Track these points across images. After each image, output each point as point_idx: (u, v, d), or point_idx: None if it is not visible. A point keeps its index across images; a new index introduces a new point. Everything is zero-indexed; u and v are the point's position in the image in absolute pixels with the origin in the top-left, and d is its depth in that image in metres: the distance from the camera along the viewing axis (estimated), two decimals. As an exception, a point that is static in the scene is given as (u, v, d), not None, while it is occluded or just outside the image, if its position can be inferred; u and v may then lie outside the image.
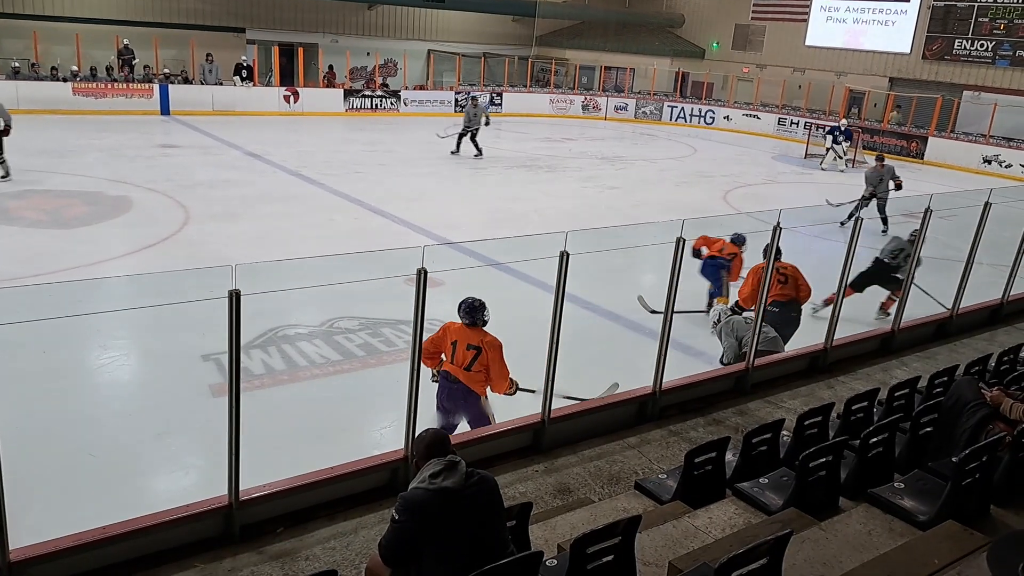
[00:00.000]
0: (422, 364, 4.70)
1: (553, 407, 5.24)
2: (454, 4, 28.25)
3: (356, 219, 12.48)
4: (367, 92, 25.12)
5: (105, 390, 6.76)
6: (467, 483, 2.92)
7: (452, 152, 18.57)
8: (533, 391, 5.40)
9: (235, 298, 3.79)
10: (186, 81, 22.82)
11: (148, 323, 7.55)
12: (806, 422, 4.51)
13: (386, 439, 5.66)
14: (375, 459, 4.74)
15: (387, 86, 26.33)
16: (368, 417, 6.49)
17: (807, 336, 7.37)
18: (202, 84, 22.59)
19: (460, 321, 5.32)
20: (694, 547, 3.31)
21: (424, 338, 4.63)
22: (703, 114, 28.19)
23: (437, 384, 5.41)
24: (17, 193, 12.30)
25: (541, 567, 2.94)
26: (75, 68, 21.19)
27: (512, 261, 8.43)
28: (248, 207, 12.61)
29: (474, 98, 20.56)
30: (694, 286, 8.45)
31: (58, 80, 20.68)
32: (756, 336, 6.32)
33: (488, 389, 5.38)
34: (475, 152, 18.50)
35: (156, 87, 21.52)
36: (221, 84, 22.78)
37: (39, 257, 9.38)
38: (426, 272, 4.46)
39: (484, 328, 5.32)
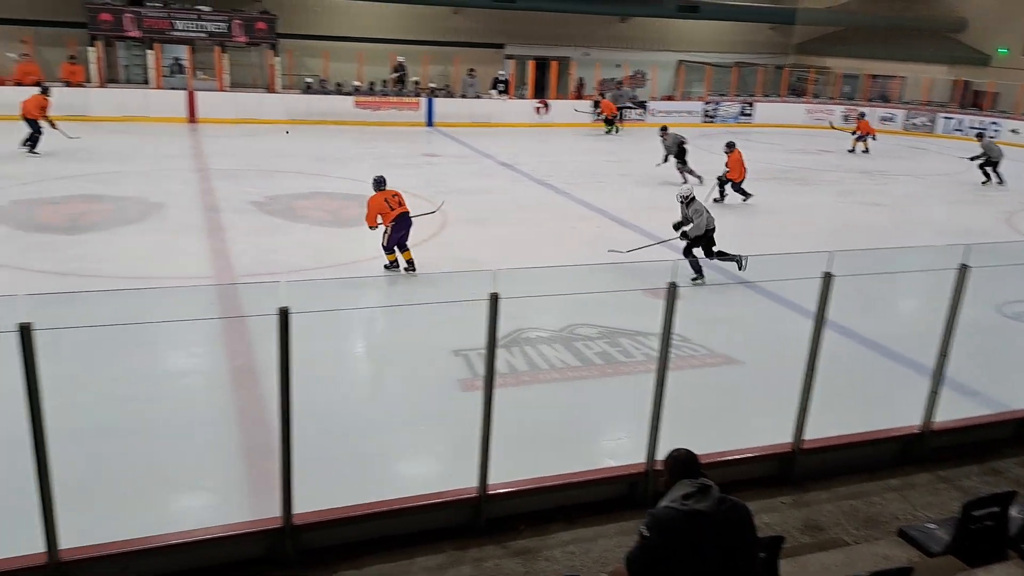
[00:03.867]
0: (369, 224, 9.38)
1: (805, 433, 4.94)
2: (709, 13, 27.65)
3: (598, 227, 12.63)
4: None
5: (365, 377, 7.40)
6: (719, 508, 2.84)
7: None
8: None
9: (495, 300, 3.99)
10: (449, 95, 24.52)
11: (406, 319, 8.18)
12: (1118, 486, 3.86)
13: (621, 449, 5.66)
14: (615, 470, 4.77)
15: (635, 97, 26.40)
16: (604, 426, 6.52)
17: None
18: (463, 97, 24.13)
19: (378, 191, 9.38)
20: (973, 612, 2.94)
21: (668, 351, 4.60)
22: (985, 127, 25.14)
23: (393, 226, 9.30)
24: (306, 194, 13.92)
25: (793, 607, 2.78)
26: (357, 83, 23.60)
27: (763, 280, 8.07)
28: (499, 213, 13.25)
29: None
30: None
31: (342, 94, 23.16)
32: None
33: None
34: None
35: (423, 100, 23.34)
36: (479, 97, 24.19)
37: (322, 252, 10.54)
38: (676, 286, 4.43)
39: None
